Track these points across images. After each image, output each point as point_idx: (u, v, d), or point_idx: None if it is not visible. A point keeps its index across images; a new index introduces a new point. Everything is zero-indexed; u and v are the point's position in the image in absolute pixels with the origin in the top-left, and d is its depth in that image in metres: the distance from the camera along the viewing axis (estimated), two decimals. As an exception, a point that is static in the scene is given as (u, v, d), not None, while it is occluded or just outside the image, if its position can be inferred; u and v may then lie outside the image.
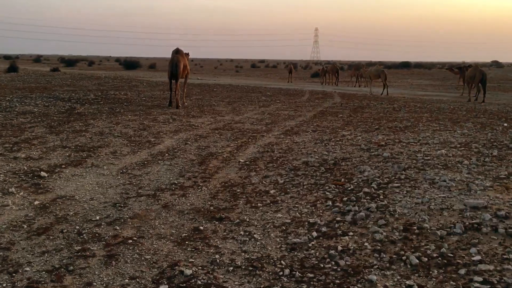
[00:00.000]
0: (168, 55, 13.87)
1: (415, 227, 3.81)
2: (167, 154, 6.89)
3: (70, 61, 58.21)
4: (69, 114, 11.11)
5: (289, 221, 4.12)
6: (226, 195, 4.94)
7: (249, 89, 21.70)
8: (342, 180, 5.29)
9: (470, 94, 17.29)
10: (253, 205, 4.59)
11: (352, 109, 13.54)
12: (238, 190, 5.08)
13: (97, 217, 4.19)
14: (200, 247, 3.60)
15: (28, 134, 8.26)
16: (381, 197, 4.58)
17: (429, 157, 6.12)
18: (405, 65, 72.39)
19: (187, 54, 14.29)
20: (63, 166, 6.03)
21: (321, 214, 4.26)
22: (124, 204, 4.60)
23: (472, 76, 16.91)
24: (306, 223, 4.05)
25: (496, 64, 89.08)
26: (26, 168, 5.82)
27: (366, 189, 4.83)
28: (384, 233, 3.72)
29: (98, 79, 25.88)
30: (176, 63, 12.86)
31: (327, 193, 4.86)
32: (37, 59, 74.37)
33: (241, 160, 6.51)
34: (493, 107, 14.35)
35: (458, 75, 26.66)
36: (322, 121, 10.86)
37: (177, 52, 13.29)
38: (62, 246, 3.57)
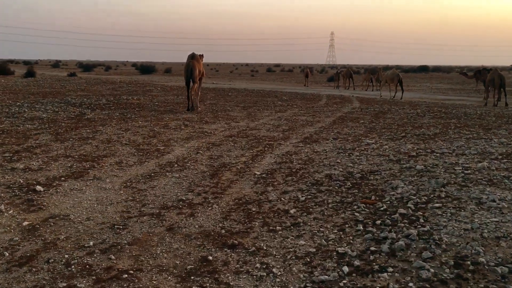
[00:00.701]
0: (184, 59, 13.69)
1: (469, 262, 3.14)
2: (176, 165, 6.33)
3: (87, 66, 58.71)
4: (78, 120, 10.69)
5: (314, 250, 3.48)
6: (240, 214, 4.33)
7: (264, 93, 21.13)
8: (373, 198, 4.63)
9: (494, 98, 16.46)
10: (271, 228, 3.97)
11: (373, 115, 12.84)
12: (253, 209, 4.47)
13: (91, 243, 3.62)
14: (207, 284, 2.99)
15: (32, 141, 7.81)
16: (422, 220, 3.91)
17: (469, 171, 5.42)
18: (423, 69, 71.08)
19: (201, 56, 14.06)
20: (63, 178, 5.52)
21: (351, 241, 3.61)
22: (123, 225, 4.03)
23: (491, 80, 16.28)
24: (335, 253, 3.41)
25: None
26: (22, 181, 5.32)
27: (402, 210, 4.16)
28: (432, 270, 3.05)
29: (112, 84, 25.69)
30: (191, 69, 12.80)
31: (356, 214, 4.21)
32: (56, 64, 75.41)
33: (256, 172, 5.90)
34: (524, 112, 13.47)
35: (473, 79, 25.94)
36: (343, 127, 10.20)
37: (192, 57, 13.19)
38: (44, 281, 3.01)
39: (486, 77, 24.03)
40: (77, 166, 6.15)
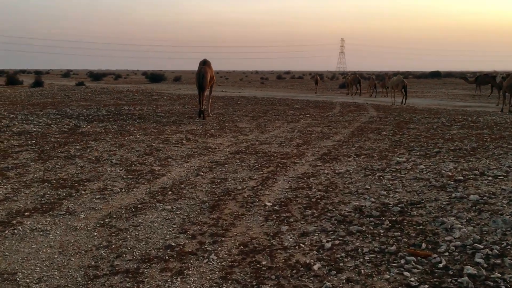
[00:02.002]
0: (194, 68, 13.33)
1: None
2: (170, 192, 5.24)
3: (97, 75, 58.48)
4: (71, 134, 9.70)
5: None
6: (246, 271, 3.20)
7: (275, 101, 20.07)
8: (423, 247, 3.46)
9: (506, 104, 15.58)
10: (288, 296, 2.83)
11: (394, 125, 11.66)
12: (263, 262, 3.34)
13: (31, 326, 2.53)
14: None
15: (10, 161, 6.81)
16: (505, 289, 2.74)
17: (541, 203, 4.23)
18: (435, 74, 69.54)
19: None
20: (27, 213, 4.46)
21: (408, 327, 2.46)
22: (85, 291, 2.93)
23: (509, 86, 15.41)
24: None
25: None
26: (-26, 218, 4.27)
27: (470, 269, 3.00)
28: None
29: (118, 93, 24.88)
30: (203, 75, 12.66)
31: (405, 273, 3.05)
32: (66, 74, 75.48)
33: (267, 203, 4.78)
34: None
35: (473, 84, 25.13)
36: (364, 140, 9.04)
37: (204, 63, 13.10)
38: None
39: (490, 82, 23.12)
40: (51, 195, 5.09)
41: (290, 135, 9.84)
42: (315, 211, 4.46)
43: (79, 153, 7.51)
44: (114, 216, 4.43)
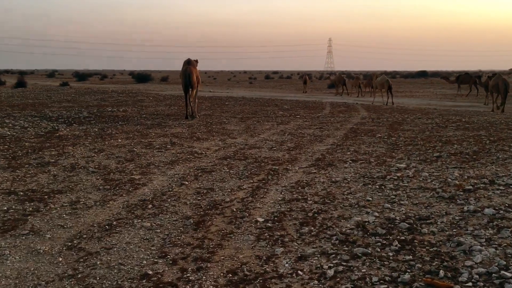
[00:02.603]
0: (181, 68, 12.82)
1: None
2: (150, 206, 4.70)
3: (83, 76, 57.49)
4: (47, 138, 9.08)
5: None
6: (235, 308, 2.69)
7: (264, 101, 19.59)
8: (442, 275, 2.98)
9: (497, 103, 15.50)
10: None
11: (388, 126, 11.26)
12: (256, 296, 2.83)
13: None
14: None
15: (-25, 170, 6.19)
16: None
17: None
18: (422, 74, 70.02)
19: (196, 61, 13.33)
20: (-16, 234, 3.88)
21: None
22: None
23: (495, 85, 15.38)
24: None
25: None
26: None
27: (502, 306, 2.53)
28: None
29: (103, 94, 24.14)
30: (189, 74, 12.29)
31: (425, 311, 2.58)
32: (51, 74, 74.08)
33: (259, 218, 4.27)
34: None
35: (454, 84, 25.41)
36: (359, 143, 8.59)
37: (188, 63, 12.70)
38: None
39: (470, 81, 23.28)
40: (15, 210, 4.52)
41: (280, 138, 9.36)
42: (312, 228, 3.96)
43: (53, 160, 6.92)
44: (85, 235, 3.88)
